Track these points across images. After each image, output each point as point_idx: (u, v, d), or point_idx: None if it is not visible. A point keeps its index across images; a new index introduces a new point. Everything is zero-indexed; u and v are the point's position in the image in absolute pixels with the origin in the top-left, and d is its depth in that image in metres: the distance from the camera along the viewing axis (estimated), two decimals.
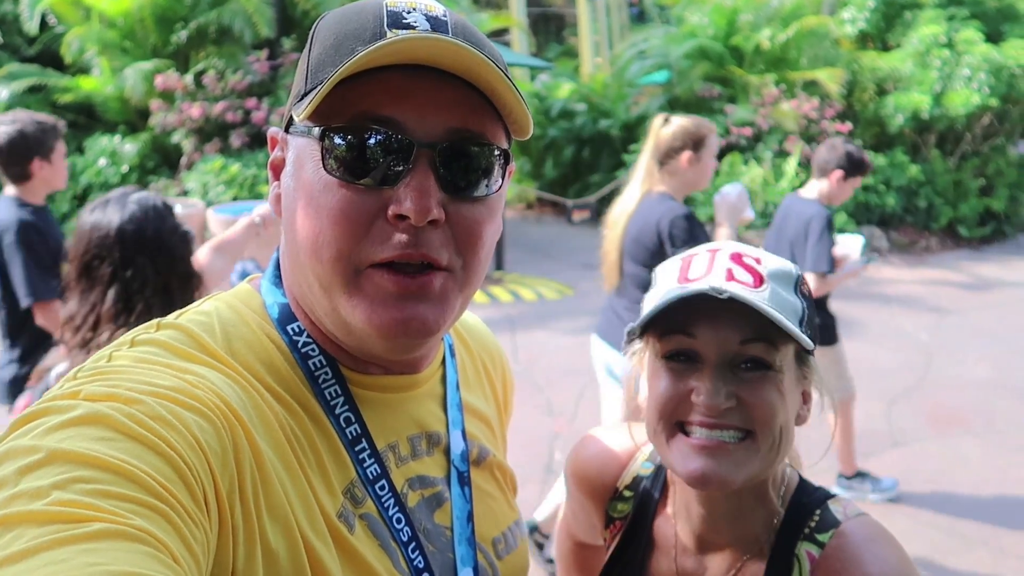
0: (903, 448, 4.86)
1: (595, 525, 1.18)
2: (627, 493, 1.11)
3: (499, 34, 16.47)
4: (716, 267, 0.93)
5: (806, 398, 1.01)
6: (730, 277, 0.92)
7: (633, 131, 11.72)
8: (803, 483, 1.03)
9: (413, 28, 0.73)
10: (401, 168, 0.72)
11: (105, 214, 2.01)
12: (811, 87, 10.56)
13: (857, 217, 10.28)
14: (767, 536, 0.99)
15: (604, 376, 3.43)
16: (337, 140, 0.72)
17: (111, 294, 1.96)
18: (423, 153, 0.72)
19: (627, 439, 1.15)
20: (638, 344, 1.03)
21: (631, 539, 1.09)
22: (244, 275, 7.63)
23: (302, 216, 0.75)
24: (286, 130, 0.81)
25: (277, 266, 0.86)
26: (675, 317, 0.93)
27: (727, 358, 0.92)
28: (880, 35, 11.16)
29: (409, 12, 0.74)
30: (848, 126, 10.36)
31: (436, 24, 0.74)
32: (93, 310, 1.97)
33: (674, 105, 11.43)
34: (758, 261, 0.95)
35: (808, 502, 0.99)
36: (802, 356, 0.97)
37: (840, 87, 10.21)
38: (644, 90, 12.10)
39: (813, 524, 0.96)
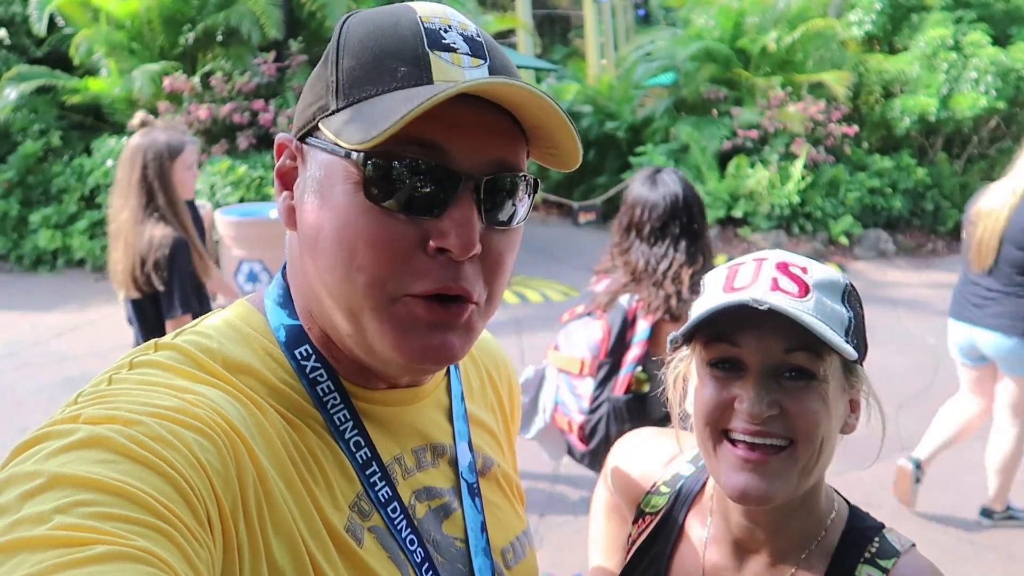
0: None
1: (625, 518, 1.21)
2: (664, 488, 1.14)
3: (505, 36, 16.48)
4: (762, 276, 0.94)
5: (854, 407, 1.01)
6: (775, 287, 0.93)
7: (639, 133, 11.71)
8: (854, 509, 1.05)
9: (454, 50, 0.71)
10: (445, 198, 0.71)
11: (664, 187, 2.59)
12: (818, 89, 10.54)
13: (864, 220, 10.25)
14: (808, 549, 1.00)
15: (957, 355, 3.91)
16: (380, 165, 0.70)
17: (682, 247, 2.53)
18: (467, 185, 0.71)
19: (671, 442, 1.17)
20: (685, 351, 1.04)
21: (661, 531, 1.10)
22: (251, 275, 7.60)
23: (332, 238, 0.72)
24: (302, 139, 0.78)
25: (283, 287, 0.84)
26: (720, 325, 0.94)
27: (771, 367, 0.93)
28: (887, 37, 11.14)
29: (446, 31, 0.73)
30: (855, 129, 10.33)
31: (474, 47, 0.73)
32: (667, 255, 2.53)
33: (680, 107, 11.42)
34: (804, 271, 0.95)
35: (864, 528, 1.02)
36: (849, 365, 0.98)
37: (847, 90, 10.18)
38: (650, 92, 12.09)
39: (874, 550, 0.99)
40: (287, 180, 0.80)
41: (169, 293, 3.03)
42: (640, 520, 1.14)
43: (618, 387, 2.55)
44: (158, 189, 3.05)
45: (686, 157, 10.68)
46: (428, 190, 0.70)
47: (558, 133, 0.74)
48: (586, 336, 2.64)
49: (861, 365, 0.99)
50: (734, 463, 0.93)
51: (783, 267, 0.95)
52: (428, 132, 0.69)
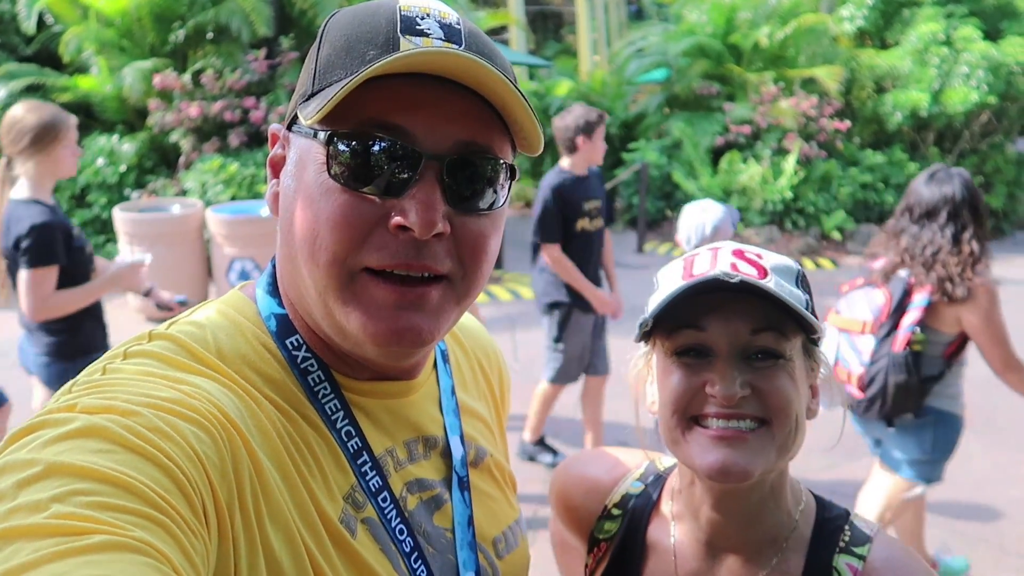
0: None
1: (577, 549, 1.18)
2: (615, 511, 1.11)
3: (497, 32, 16.46)
4: (720, 262, 0.94)
5: (814, 392, 1.01)
6: (735, 270, 0.93)
7: (632, 129, 11.72)
8: (819, 498, 1.05)
9: (427, 35, 0.72)
10: (407, 178, 0.71)
11: (938, 181, 2.98)
12: (810, 85, 10.57)
13: (856, 215, 10.29)
14: (782, 543, 0.99)
15: None
16: (342, 146, 0.71)
17: (947, 233, 2.89)
18: (430, 165, 0.71)
19: (614, 464, 1.15)
20: (643, 348, 1.02)
21: (624, 554, 1.08)
22: (243, 274, 7.53)
23: (301, 218, 0.74)
24: (288, 128, 0.80)
25: (272, 275, 0.85)
26: (684, 312, 0.93)
27: (738, 349, 0.93)
28: (879, 33, 11.17)
29: (423, 18, 0.73)
30: (847, 124, 10.36)
31: (450, 33, 0.73)
32: (932, 242, 2.91)
33: (673, 103, 11.44)
34: (759, 256, 0.96)
35: (833, 517, 1.01)
36: (809, 348, 0.98)
37: (839, 85, 10.21)
38: (643, 88, 12.10)
39: (847, 538, 0.99)
40: (277, 169, 0.82)
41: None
42: (595, 549, 1.11)
43: (897, 344, 2.97)
44: None
45: (679, 153, 10.69)
46: (390, 170, 0.71)
47: (518, 112, 0.74)
48: (868, 301, 3.10)
49: (819, 347, 1.00)
50: (708, 443, 0.91)
51: (739, 254, 0.95)
52: (390, 114, 0.71)
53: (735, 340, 0.92)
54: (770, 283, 0.91)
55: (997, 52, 9.94)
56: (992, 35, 10.46)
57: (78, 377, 0.68)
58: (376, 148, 0.71)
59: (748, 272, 0.92)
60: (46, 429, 0.59)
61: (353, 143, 0.71)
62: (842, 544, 0.98)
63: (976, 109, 10.17)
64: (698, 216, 3.61)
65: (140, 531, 0.53)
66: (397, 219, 0.71)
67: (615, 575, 1.07)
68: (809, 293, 0.98)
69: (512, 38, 16.02)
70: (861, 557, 0.97)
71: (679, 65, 11.22)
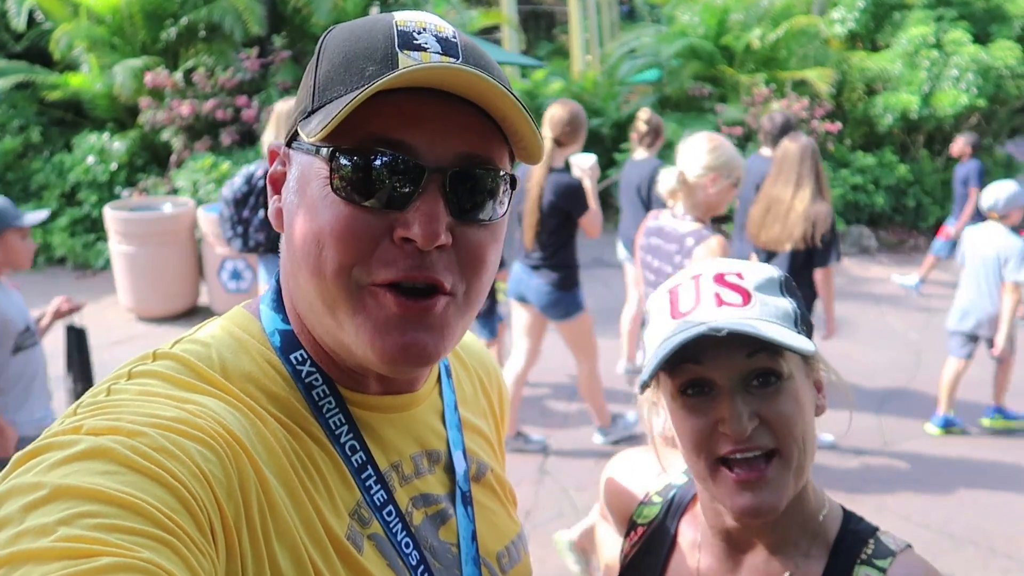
0: (893, 447, 4.90)
1: (614, 534, 1.22)
2: (656, 499, 1.15)
3: (489, 32, 16.46)
4: (703, 295, 0.96)
5: (819, 387, 1.03)
6: (720, 302, 0.95)
7: (624, 129, 11.73)
8: (849, 512, 1.07)
9: (425, 49, 0.73)
10: (410, 191, 0.72)
11: None
12: (801, 87, 10.60)
13: (846, 216, 10.34)
14: (804, 548, 1.02)
15: None
16: (345, 161, 0.72)
17: None
18: (433, 177, 0.72)
19: (666, 454, 1.19)
20: (649, 392, 1.04)
21: (654, 540, 1.12)
22: (234, 273, 7.48)
23: (304, 232, 0.75)
24: (288, 144, 0.81)
25: (276, 290, 0.85)
26: (681, 348, 0.94)
27: (739, 377, 0.94)
28: (869, 35, 11.22)
29: (419, 32, 0.74)
30: (838, 126, 10.40)
31: (447, 47, 0.74)
32: None
33: (664, 104, 11.46)
34: (740, 276, 0.96)
35: (859, 530, 1.04)
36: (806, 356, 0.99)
37: (830, 87, 10.25)
38: (635, 89, 12.10)
39: (870, 551, 1.01)
40: (278, 185, 0.83)
41: (827, 249, 4.51)
42: (632, 532, 1.15)
43: None
44: (819, 176, 4.52)
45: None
46: (393, 183, 0.72)
47: (519, 124, 0.75)
48: None
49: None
50: (734, 486, 0.95)
51: (720, 279, 0.96)
52: (392, 129, 0.72)
53: (733, 369, 0.94)
54: (755, 308, 0.93)
55: (986, 55, 10.00)
56: (982, 39, 10.52)
57: (82, 398, 0.69)
58: (379, 162, 0.71)
59: (732, 300, 0.94)
60: (52, 452, 0.60)
61: (356, 158, 0.72)
62: (864, 556, 1.00)
63: (966, 112, 10.23)
64: (1005, 189, 4.96)
65: (148, 552, 0.54)
66: (400, 231, 0.72)
67: (642, 558, 1.11)
68: (795, 295, 0.99)
69: (504, 38, 16.01)
70: (882, 570, 0.99)
71: (671, 66, 11.23)
